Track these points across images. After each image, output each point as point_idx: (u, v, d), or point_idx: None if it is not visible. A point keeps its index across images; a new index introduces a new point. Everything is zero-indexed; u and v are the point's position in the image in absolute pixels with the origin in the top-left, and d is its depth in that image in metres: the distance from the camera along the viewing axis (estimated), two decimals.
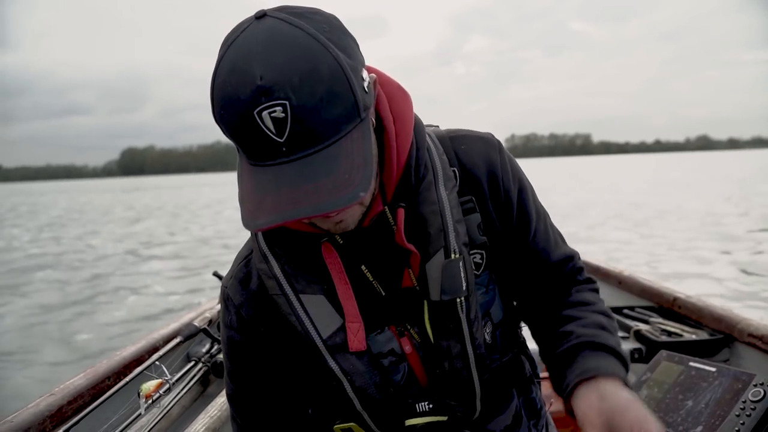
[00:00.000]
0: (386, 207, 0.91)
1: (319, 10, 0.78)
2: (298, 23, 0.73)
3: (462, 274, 0.92)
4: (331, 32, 0.75)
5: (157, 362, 1.83)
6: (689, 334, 2.33)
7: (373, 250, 0.95)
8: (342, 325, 0.93)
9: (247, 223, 0.75)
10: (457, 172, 0.99)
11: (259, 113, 0.70)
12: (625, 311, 2.66)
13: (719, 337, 2.25)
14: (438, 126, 1.08)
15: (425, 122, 1.01)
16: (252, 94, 0.70)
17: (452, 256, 0.92)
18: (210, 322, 2.21)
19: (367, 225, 0.91)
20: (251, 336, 0.99)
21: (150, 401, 1.65)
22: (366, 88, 0.79)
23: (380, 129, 0.89)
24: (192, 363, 2.06)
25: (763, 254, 11.04)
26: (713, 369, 1.83)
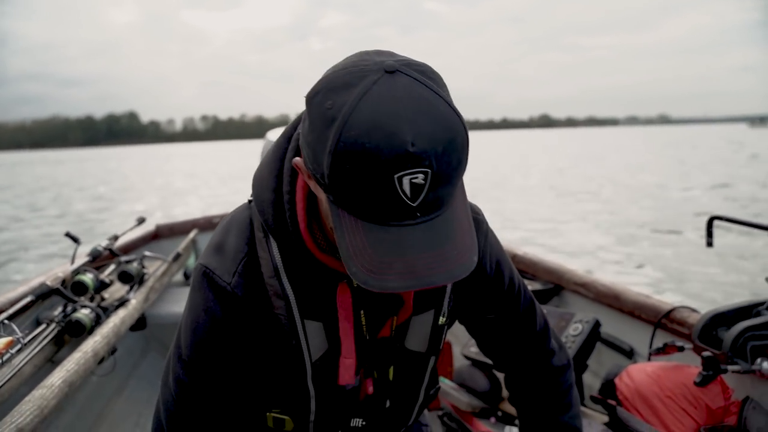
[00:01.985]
0: None
1: (431, 67, 0.79)
2: (433, 87, 0.74)
3: (442, 337, 1.06)
4: (448, 95, 0.77)
5: (6, 321, 1.75)
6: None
7: (376, 298, 0.99)
8: (326, 352, 0.99)
9: (374, 285, 0.73)
10: None
11: (401, 178, 0.70)
12: None
13: (550, 287, 2.55)
14: None
15: None
16: (399, 159, 0.69)
17: (440, 320, 1.03)
18: (63, 282, 2.12)
19: None
20: (233, 334, 0.97)
21: (0, 360, 1.59)
22: None
23: None
24: (44, 326, 1.98)
25: (584, 219, 12.34)
26: (543, 311, 2.08)
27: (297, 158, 0.84)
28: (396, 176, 0.69)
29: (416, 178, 0.70)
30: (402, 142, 0.69)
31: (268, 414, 1.10)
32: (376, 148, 0.69)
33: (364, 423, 1.11)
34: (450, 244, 0.75)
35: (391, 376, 1.08)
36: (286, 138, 0.94)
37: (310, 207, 0.91)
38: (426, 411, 1.38)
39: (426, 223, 0.74)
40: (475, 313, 1.14)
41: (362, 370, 1.06)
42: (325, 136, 0.73)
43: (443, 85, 0.78)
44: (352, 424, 1.10)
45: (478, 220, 1.07)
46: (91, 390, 2.33)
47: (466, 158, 0.77)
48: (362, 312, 0.99)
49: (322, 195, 0.80)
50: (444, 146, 0.71)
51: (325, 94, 0.75)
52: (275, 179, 0.92)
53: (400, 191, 0.71)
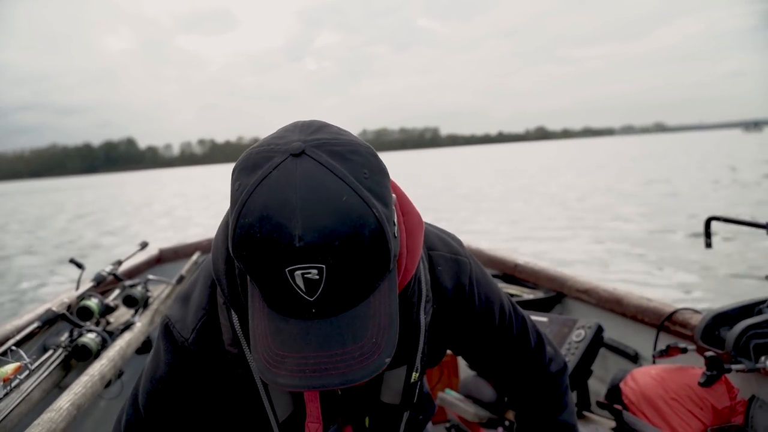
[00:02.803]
0: None
1: (358, 146, 0.74)
2: (340, 171, 0.69)
3: (417, 391, 1.04)
4: (371, 178, 0.72)
5: (13, 347, 1.76)
6: (528, 295, 2.61)
7: None
8: (293, 413, 0.97)
9: (267, 378, 0.71)
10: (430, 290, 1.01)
11: (292, 272, 0.67)
12: None
13: (552, 294, 2.56)
14: None
15: None
16: (287, 253, 0.66)
17: (413, 375, 1.01)
18: (69, 307, 2.13)
19: None
20: (188, 387, 0.96)
21: (9, 386, 1.59)
22: (395, 234, 0.76)
23: None
24: (51, 351, 1.99)
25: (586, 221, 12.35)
26: (545, 319, 2.09)
27: None
28: (287, 270, 0.67)
29: (309, 273, 0.66)
30: (289, 236, 0.65)
31: None
32: (266, 240, 0.66)
33: None
34: (355, 344, 0.70)
35: (367, 424, 1.07)
36: None
37: None
38: (431, 425, 1.39)
39: (327, 320, 0.71)
40: (471, 348, 1.15)
41: (340, 419, 1.05)
42: (232, 218, 0.71)
43: (362, 166, 0.72)
44: None
45: (458, 261, 1.05)
46: (99, 414, 2.33)
47: (382, 251, 0.71)
48: None
49: None
50: (342, 240, 0.66)
51: (239, 173, 0.73)
52: (227, 250, 0.89)
53: (294, 285, 0.68)
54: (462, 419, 2.08)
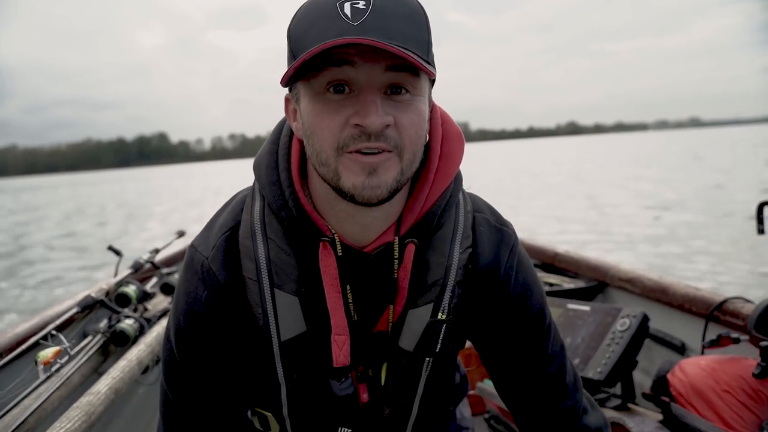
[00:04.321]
0: (397, 238, 0.89)
1: None
2: None
3: (441, 337, 0.92)
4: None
5: (53, 332, 1.78)
6: (568, 284, 2.55)
7: (365, 275, 0.91)
8: (301, 335, 0.89)
9: (312, 49, 0.76)
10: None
11: (342, 5, 0.78)
12: None
13: (594, 284, 2.48)
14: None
15: None
16: None
17: (439, 315, 0.91)
18: (107, 294, 2.15)
19: (372, 251, 0.89)
20: (220, 317, 0.91)
21: (49, 370, 1.61)
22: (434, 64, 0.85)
23: (424, 160, 0.89)
24: (90, 336, 2.01)
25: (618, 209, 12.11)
26: (587, 308, 2.03)
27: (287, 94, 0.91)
28: (338, 4, 0.78)
29: (357, 3, 0.77)
30: None
31: (252, 412, 1.06)
32: None
33: None
34: (401, 45, 0.76)
35: (383, 380, 0.97)
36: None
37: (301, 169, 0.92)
38: (469, 414, 1.32)
39: (373, 39, 0.75)
40: (496, 342, 1.02)
41: (354, 372, 0.96)
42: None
43: None
44: None
45: (503, 231, 0.98)
46: (137, 399, 2.36)
47: (425, 29, 0.82)
48: (349, 288, 0.90)
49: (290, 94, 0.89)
50: None
51: None
52: (277, 133, 0.97)
53: (341, 14, 0.77)
54: (501, 410, 2.04)
